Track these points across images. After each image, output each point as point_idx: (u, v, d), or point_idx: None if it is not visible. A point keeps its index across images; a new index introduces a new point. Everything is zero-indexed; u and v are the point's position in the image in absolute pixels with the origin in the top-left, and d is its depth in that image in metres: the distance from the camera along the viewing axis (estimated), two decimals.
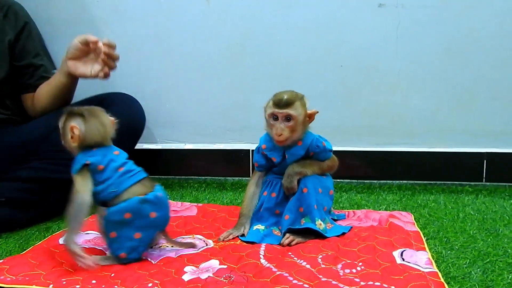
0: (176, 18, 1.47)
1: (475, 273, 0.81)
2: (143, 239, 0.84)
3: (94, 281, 0.78)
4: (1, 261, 0.85)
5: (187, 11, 1.46)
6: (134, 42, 1.50)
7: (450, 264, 0.85)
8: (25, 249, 0.93)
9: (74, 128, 0.84)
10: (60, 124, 0.87)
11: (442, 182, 1.46)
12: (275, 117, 0.95)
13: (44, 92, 1.29)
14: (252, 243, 0.94)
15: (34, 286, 0.76)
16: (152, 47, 1.49)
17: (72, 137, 0.84)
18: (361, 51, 1.44)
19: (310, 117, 0.98)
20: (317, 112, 0.98)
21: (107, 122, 0.87)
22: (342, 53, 1.44)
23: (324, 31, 1.44)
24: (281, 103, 0.93)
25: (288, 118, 0.94)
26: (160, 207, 0.84)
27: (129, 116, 1.26)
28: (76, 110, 0.86)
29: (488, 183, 1.44)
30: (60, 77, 1.23)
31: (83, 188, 0.80)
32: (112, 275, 0.80)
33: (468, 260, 0.87)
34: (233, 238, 0.98)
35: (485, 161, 1.44)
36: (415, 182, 1.47)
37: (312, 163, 0.99)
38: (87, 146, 0.84)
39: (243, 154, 1.49)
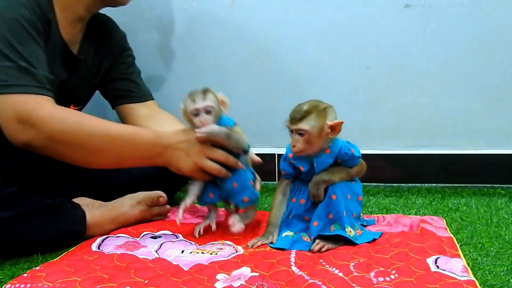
0: (200, 24, 1.48)
1: None
2: None
3: None
4: (37, 268, 0.87)
5: (212, 17, 1.47)
6: (159, 49, 1.52)
7: (487, 272, 0.83)
8: (59, 255, 0.95)
9: (225, 98, 1.00)
10: (203, 99, 0.97)
11: (473, 184, 1.42)
12: (290, 130, 0.95)
13: None
14: (282, 249, 0.94)
15: None
16: (177, 54, 1.51)
17: (224, 107, 1.00)
18: (387, 52, 1.42)
19: (334, 128, 0.95)
20: (342, 122, 0.95)
21: None
22: (368, 55, 1.43)
23: (349, 33, 1.43)
24: (294, 117, 0.93)
25: (300, 132, 0.93)
26: None
27: None
28: (206, 88, 0.99)
29: None
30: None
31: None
32: (146, 281, 0.81)
33: (506, 268, 0.84)
34: (261, 245, 0.97)
35: None
36: (445, 185, 1.44)
37: (340, 170, 0.98)
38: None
39: (269, 158, 1.49)
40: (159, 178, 1.19)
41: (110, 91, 1.29)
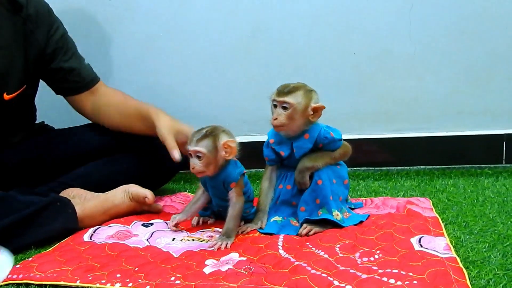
0: (187, 13, 1.48)
1: (495, 257, 0.81)
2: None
3: (118, 275, 0.80)
4: (29, 259, 0.89)
5: (198, 5, 1.47)
6: (147, 39, 1.51)
7: (469, 249, 0.85)
8: (52, 246, 0.97)
9: (231, 143, 0.95)
10: (206, 144, 0.93)
11: (461, 165, 1.45)
12: (274, 104, 0.96)
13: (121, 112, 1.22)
14: (271, 234, 0.96)
15: (62, 282, 0.79)
16: (165, 43, 1.51)
17: (227, 152, 0.95)
18: (373, 36, 1.42)
19: (316, 111, 0.96)
20: (324, 107, 0.96)
21: None
22: (354, 40, 1.43)
23: (335, 18, 1.43)
24: (281, 91, 0.95)
25: (285, 106, 0.94)
26: None
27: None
28: (218, 128, 0.96)
29: (508, 165, 1.42)
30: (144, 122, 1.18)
31: (242, 193, 0.98)
32: (136, 269, 0.82)
33: (488, 244, 0.87)
34: (251, 230, 0.99)
35: (504, 142, 1.42)
36: (433, 167, 1.46)
37: (323, 155, 0.99)
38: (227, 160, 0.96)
39: (260, 145, 1.50)
40: (145, 173, 1.23)
41: (52, 83, 1.23)
